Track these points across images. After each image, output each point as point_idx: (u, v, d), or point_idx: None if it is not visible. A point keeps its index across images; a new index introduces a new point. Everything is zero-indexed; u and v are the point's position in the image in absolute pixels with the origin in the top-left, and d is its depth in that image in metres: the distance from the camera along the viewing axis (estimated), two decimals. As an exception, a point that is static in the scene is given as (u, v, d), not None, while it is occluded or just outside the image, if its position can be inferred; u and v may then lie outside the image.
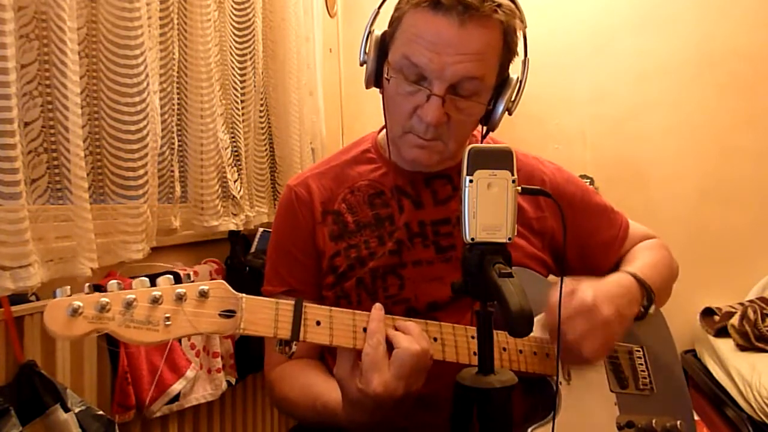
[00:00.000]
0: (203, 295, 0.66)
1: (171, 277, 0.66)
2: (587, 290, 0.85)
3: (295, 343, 0.72)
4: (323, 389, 0.87)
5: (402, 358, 0.72)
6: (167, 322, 0.63)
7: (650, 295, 0.94)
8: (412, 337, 0.74)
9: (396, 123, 0.94)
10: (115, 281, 0.63)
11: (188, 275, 0.68)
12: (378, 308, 0.76)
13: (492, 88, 0.92)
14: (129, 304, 0.62)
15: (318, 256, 1.01)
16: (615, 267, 1.07)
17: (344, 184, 1.03)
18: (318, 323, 0.73)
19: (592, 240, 1.09)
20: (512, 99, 0.93)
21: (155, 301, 0.63)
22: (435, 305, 0.95)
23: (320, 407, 0.86)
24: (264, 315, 0.70)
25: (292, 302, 0.72)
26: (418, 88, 0.88)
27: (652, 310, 0.95)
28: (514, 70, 0.95)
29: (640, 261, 1.04)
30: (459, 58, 0.85)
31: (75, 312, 0.59)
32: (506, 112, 0.94)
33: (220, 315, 0.67)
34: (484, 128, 0.97)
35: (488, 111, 0.93)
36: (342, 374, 0.75)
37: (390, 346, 0.74)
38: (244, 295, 0.70)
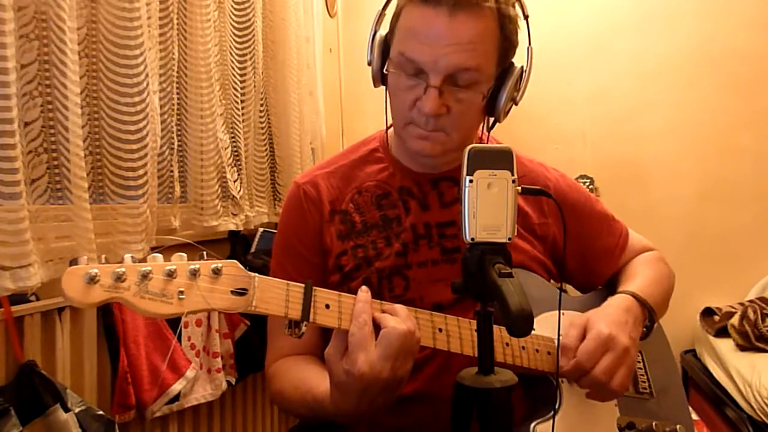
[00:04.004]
0: (216, 272, 0.67)
1: (184, 255, 0.66)
2: (599, 323, 0.86)
3: (305, 323, 0.71)
4: (315, 382, 0.86)
5: (389, 337, 0.71)
6: (181, 296, 0.64)
7: (652, 315, 0.96)
8: (399, 318, 0.74)
9: (398, 116, 0.96)
10: (129, 255, 0.64)
11: (202, 255, 0.68)
12: (364, 290, 0.76)
13: (492, 78, 0.92)
14: (144, 276, 0.62)
15: (324, 254, 1.01)
16: (614, 281, 1.08)
17: (352, 184, 1.04)
18: (327, 306, 0.73)
19: (592, 246, 1.09)
20: (517, 88, 0.93)
21: (170, 274, 0.64)
22: (440, 306, 0.95)
23: (310, 400, 0.85)
24: (275, 294, 0.70)
25: (302, 285, 0.73)
26: (417, 82, 0.89)
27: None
28: (521, 60, 0.94)
29: (640, 278, 1.04)
30: (451, 48, 0.86)
31: (92, 279, 0.59)
32: (512, 103, 0.95)
33: (232, 293, 0.68)
34: (491, 120, 0.97)
35: (491, 101, 0.93)
36: (331, 354, 0.74)
37: (378, 328, 0.73)
38: (256, 274, 0.70)
